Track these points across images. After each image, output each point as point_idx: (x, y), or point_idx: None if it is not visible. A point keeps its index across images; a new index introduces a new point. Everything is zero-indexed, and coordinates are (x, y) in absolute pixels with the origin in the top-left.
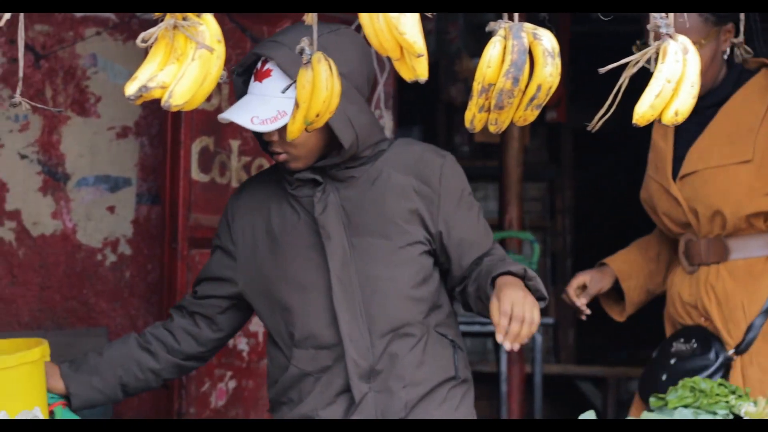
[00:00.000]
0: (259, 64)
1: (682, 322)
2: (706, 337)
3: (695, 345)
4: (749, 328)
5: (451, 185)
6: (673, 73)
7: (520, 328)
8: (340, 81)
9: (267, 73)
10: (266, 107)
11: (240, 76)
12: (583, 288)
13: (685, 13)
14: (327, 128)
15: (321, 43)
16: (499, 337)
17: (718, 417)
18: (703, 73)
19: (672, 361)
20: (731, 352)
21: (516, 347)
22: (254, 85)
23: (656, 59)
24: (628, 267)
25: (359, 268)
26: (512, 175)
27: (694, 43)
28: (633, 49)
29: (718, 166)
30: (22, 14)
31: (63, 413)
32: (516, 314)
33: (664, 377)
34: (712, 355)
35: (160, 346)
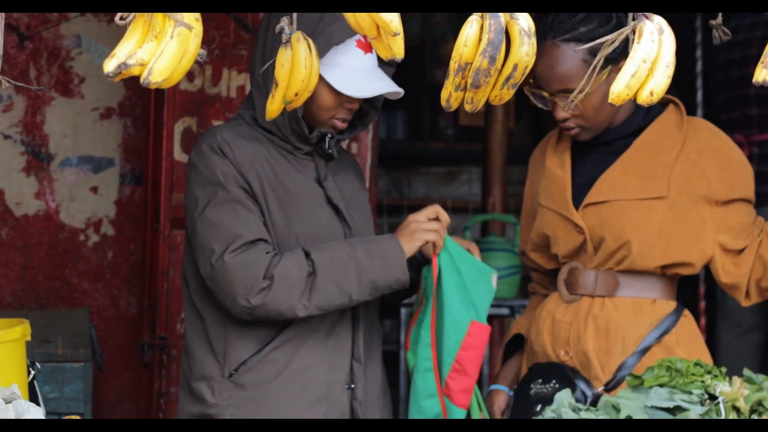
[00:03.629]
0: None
1: (538, 353)
2: (567, 376)
3: (557, 386)
4: (621, 366)
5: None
6: (649, 53)
7: None
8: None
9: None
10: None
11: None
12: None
13: (568, 65)
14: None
15: None
16: None
17: (693, 396)
18: (599, 111)
19: (537, 408)
20: (601, 389)
21: None
22: (366, 57)
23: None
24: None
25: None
26: (496, 158)
27: (580, 92)
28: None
29: (632, 199)
30: None
31: None
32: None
33: None
34: (578, 394)
35: None
